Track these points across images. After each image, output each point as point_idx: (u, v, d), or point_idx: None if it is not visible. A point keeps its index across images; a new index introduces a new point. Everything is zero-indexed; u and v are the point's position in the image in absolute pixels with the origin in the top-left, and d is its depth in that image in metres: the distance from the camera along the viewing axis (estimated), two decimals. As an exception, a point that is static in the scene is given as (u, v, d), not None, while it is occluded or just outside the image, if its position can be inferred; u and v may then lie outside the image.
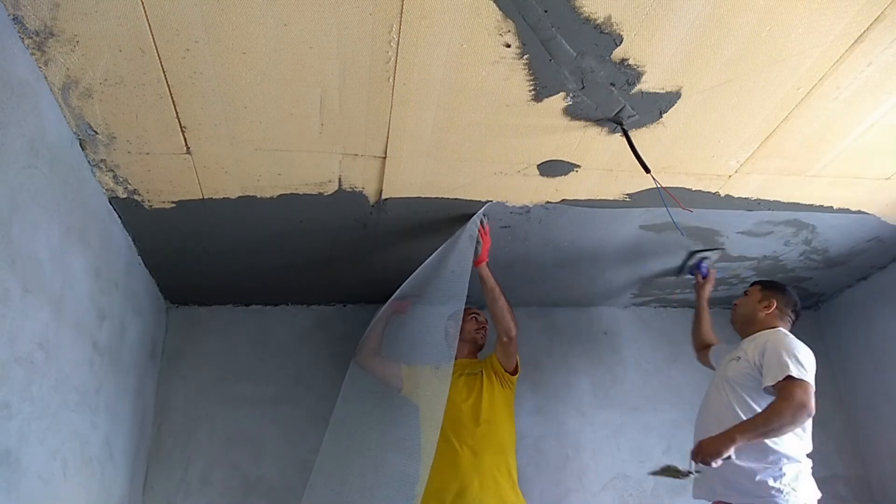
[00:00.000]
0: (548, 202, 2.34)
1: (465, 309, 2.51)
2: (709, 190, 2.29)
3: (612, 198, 2.33)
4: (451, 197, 2.28)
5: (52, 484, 1.81)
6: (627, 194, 2.31)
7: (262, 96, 1.74)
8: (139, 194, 2.14)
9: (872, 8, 1.55)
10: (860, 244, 2.79)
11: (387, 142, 1.95)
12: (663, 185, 2.09)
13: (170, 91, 1.69)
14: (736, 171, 2.19)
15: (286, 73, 1.66)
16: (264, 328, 3.10)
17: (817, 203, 2.43)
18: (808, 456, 2.24)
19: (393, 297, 2.63)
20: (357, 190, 2.21)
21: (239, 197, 2.20)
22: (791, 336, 2.30)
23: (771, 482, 2.13)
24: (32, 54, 1.55)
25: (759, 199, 2.38)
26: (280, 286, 2.97)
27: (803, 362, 2.17)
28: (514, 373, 2.67)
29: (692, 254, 2.78)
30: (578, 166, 2.13)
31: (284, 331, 3.08)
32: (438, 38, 1.57)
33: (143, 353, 2.66)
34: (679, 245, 2.72)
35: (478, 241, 2.38)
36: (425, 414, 2.72)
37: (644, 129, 1.95)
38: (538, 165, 2.11)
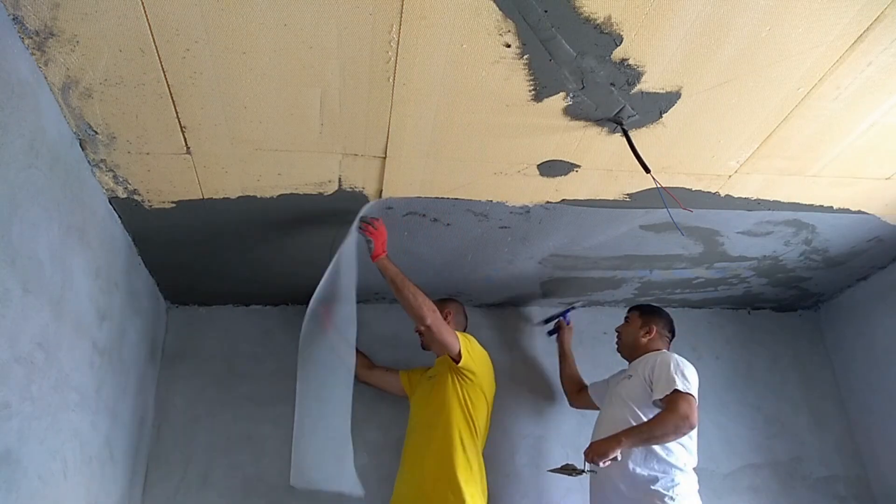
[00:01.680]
0: (548, 202, 2.34)
1: None
2: (709, 190, 2.29)
3: (612, 198, 2.33)
4: (451, 197, 2.28)
5: (52, 484, 1.81)
6: (627, 194, 2.31)
7: (262, 96, 1.74)
8: (139, 194, 2.15)
9: (872, 8, 1.55)
10: (860, 244, 2.79)
11: (387, 142, 1.95)
12: (663, 185, 2.09)
13: (170, 91, 1.70)
14: (736, 171, 2.19)
15: (286, 73, 1.66)
16: (264, 328, 3.10)
17: (817, 203, 2.43)
18: (694, 469, 2.41)
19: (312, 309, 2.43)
20: (357, 190, 2.21)
21: (239, 197, 2.20)
22: (676, 355, 2.48)
23: (662, 490, 2.28)
24: (32, 54, 1.55)
25: (759, 199, 2.38)
26: (280, 286, 2.97)
27: (689, 378, 2.37)
28: (458, 359, 2.46)
29: (567, 310, 3.16)
30: (578, 166, 2.13)
31: (284, 331, 3.08)
32: (438, 38, 1.57)
33: (143, 353, 2.66)
34: (680, 245, 2.72)
35: (367, 240, 2.30)
36: (412, 417, 2.69)
37: (644, 129, 1.95)
38: (538, 165, 2.11)
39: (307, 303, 3.12)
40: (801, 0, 1.52)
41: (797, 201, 2.41)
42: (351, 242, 2.27)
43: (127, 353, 2.44)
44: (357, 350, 2.84)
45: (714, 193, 2.32)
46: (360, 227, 2.28)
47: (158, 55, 1.58)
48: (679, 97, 1.82)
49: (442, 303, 2.76)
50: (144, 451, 2.73)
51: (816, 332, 3.46)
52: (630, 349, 2.68)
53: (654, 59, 1.67)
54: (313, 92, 1.74)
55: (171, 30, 1.51)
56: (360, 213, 2.26)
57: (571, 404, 2.99)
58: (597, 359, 3.10)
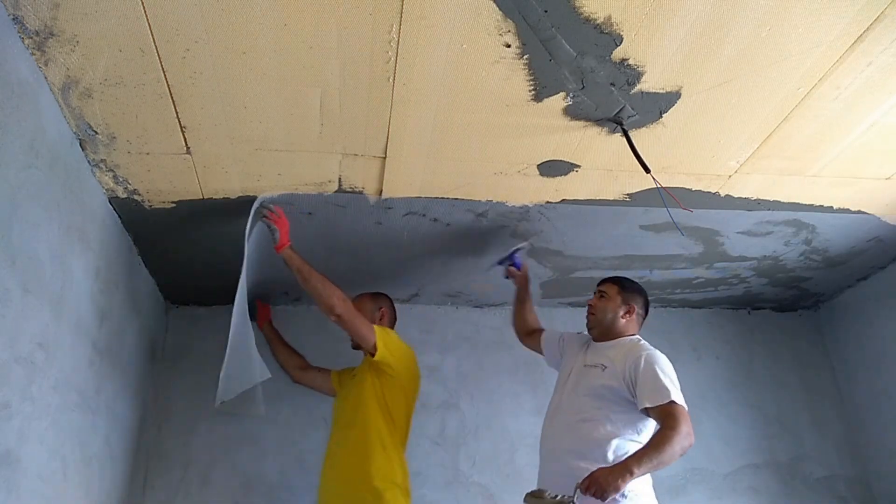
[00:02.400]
0: (548, 202, 2.34)
1: None
2: (709, 190, 2.29)
3: (612, 198, 2.33)
4: (451, 197, 2.28)
5: (52, 484, 1.81)
6: (627, 194, 2.31)
7: (262, 96, 1.74)
8: (139, 194, 2.15)
9: (872, 8, 1.55)
10: (860, 244, 2.79)
11: (387, 142, 1.95)
12: (663, 185, 2.09)
13: (170, 91, 1.70)
14: (736, 171, 2.19)
15: (286, 73, 1.66)
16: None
17: (817, 203, 2.43)
18: None
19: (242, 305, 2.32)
20: (357, 190, 2.21)
21: (239, 197, 2.20)
22: (657, 352, 2.20)
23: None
24: (32, 54, 1.55)
25: (759, 199, 2.38)
26: (279, 286, 2.97)
27: (677, 384, 2.12)
28: (374, 352, 2.35)
29: (512, 253, 2.65)
30: (578, 166, 2.13)
31: (284, 331, 3.08)
32: (438, 38, 1.58)
33: (142, 353, 2.66)
34: (680, 245, 2.72)
35: (272, 228, 2.23)
36: (334, 417, 2.64)
37: (644, 129, 1.95)
38: (538, 165, 2.12)
39: (307, 303, 3.15)
40: (801, 0, 1.52)
41: (797, 201, 2.41)
42: (255, 232, 2.23)
43: (127, 353, 2.44)
44: (294, 351, 2.95)
45: (714, 193, 2.32)
46: (262, 215, 2.22)
47: (158, 55, 1.58)
48: (679, 97, 1.82)
49: (376, 297, 2.64)
50: (144, 451, 2.72)
51: (816, 332, 3.46)
52: (605, 329, 2.34)
53: (654, 59, 1.67)
54: (313, 92, 1.74)
55: (171, 30, 1.51)
56: (259, 201, 2.20)
57: (521, 341, 2.75)
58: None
